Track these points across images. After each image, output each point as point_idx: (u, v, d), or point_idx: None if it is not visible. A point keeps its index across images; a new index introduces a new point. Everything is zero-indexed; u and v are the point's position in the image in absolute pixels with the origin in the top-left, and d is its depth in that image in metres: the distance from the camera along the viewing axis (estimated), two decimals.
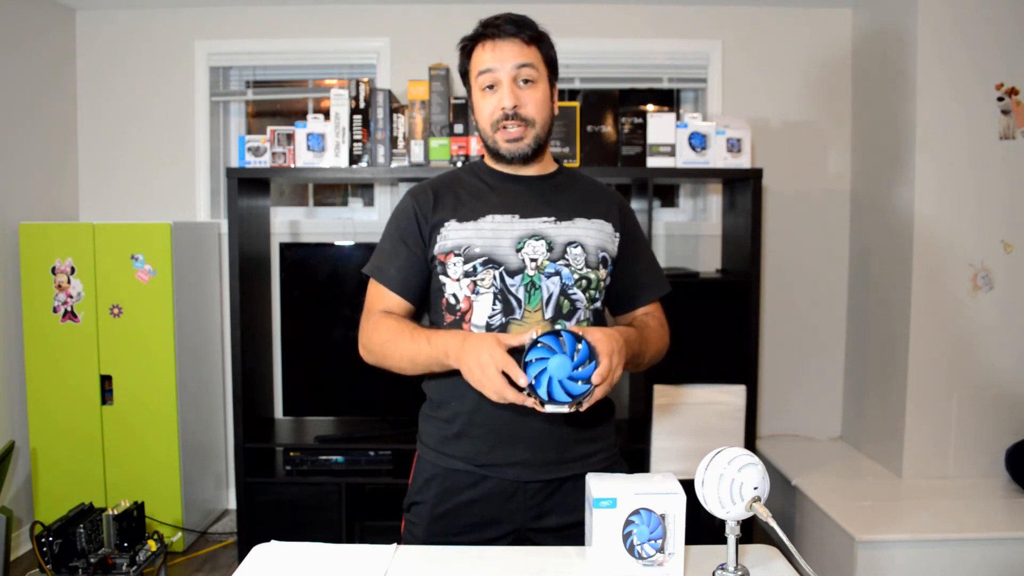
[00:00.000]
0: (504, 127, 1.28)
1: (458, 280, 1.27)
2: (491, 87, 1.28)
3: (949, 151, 2.64)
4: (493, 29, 1.27)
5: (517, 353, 1.11)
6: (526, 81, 1.27)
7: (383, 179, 2.84)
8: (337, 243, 2.91)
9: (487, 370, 1.10)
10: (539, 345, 1.10)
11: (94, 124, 3.19)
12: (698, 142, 2.58)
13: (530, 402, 1.09)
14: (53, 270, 2.77)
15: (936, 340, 2.68)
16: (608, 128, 2.62)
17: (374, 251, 1.37)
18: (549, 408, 1.09)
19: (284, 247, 2.85)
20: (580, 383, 1.10)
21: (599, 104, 2.62)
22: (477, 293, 1.26)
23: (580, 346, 1.11)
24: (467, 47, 1.32)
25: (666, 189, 3.34)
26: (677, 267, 2.99)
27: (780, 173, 3.10)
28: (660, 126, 2.59)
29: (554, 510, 1.29)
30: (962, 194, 2.65)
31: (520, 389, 1.09)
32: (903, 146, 2.73)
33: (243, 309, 2.62)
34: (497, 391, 1.09)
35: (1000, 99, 2.63)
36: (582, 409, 1.12)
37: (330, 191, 3.40)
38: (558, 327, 1.16)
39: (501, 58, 1.26)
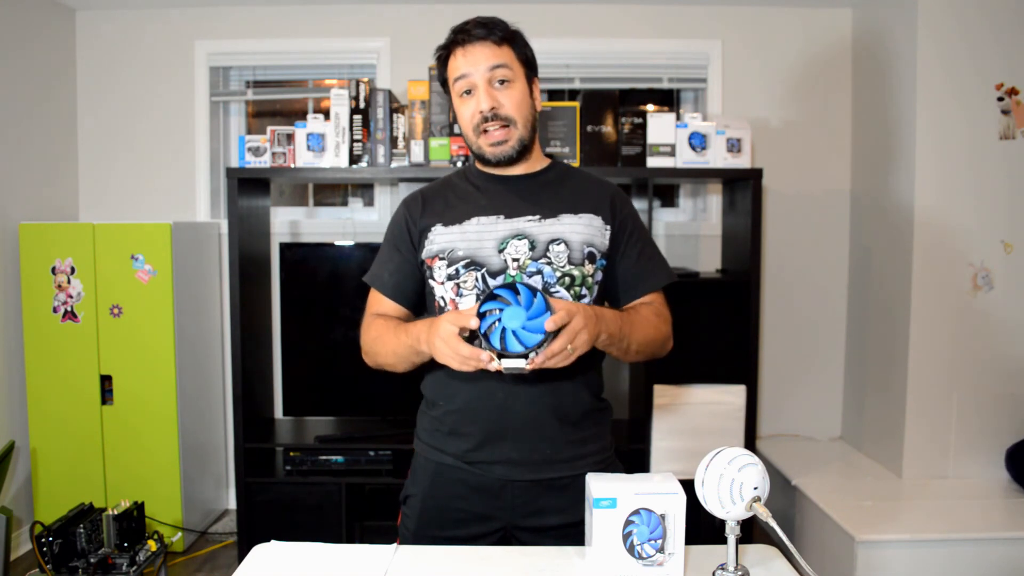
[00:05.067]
0: (485, 131, 1.29)
1: (443, 283, 1.29)
2: (468, 92, 1.29)
3: (949, 151, 2.64)
4: (463, 35, 1.28)
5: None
6: (502, 82, 1.28)
7: (383, 179, 2.84)
8: (337, 243, 2.91)
9: (447, 338, 1.12)
10: (494, 299, 1.10)
11: (94, 124, 3.19)
12: (698, 142, 2.59)
13: (485, 357, 1.08)
14: (53, 270, 2.77)
15: (936, 340, 2.68)
16: (608, 128, 2.62)
17: (374, 260, 1.41)
18: (506, 363, 1.08)
19: (284, 247, 2.85)
20: (535, 335, 1.09)
21: (599, 104, 2.61)
22: (460, 295, 1.27)
23: (536, 299, 1.10)
24: (442, 56, 1.33)
25: (666, 189, 3.34)
26: (677, 267, 2.99)
27: (780, 173, 3.10)
28: (660, 126, 2.59)
29: (544, 510, 1.30)
30: (962, 194, 2.65)
31: (474, 341, 1.09)
32: (903, 146, 2.73)
33: (243, 309, 2.62)
34: (458, 357, 1.11)
35: (1000, 99, 2.63)
36: (535, 363, 1.09)
37: (330, 191, 3.40)
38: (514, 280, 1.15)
39: (473, 62, 1.27)
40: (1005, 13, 2.60)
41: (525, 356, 1.08)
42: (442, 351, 1.14)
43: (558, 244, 1.28)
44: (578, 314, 1.12)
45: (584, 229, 1.30)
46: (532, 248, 1.27)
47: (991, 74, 2.62)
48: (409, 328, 1.25)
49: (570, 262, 1.28)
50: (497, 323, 1.09)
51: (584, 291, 1.30)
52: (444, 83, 1.36)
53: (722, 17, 3.11)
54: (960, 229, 2.65)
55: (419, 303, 1.38)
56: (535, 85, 1.35)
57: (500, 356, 1.09)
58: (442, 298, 1.30)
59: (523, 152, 1.32)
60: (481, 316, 1.10)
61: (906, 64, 2.69)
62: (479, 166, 1.38)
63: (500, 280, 1.25)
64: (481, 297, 1.10)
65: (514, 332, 1.08)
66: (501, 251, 1.27)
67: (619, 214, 1.36)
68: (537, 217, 1.30)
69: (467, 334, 1.12)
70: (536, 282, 1.26)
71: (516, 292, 1.10)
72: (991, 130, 2.64)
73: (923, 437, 2.69)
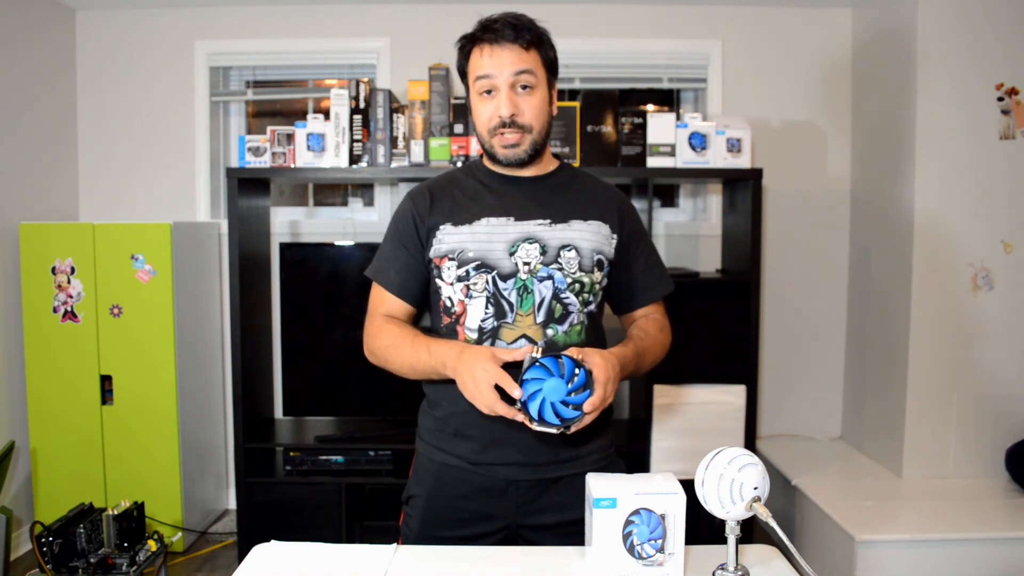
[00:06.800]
0: (501, 133, 1.28)
1: (452, 284, 1.28)
2: (488, 92, 1.28)
3: (949, 151, 2.64)
4: (491, 34, 1.25)
5: (512, 368, 1.13)
6: (524, 87, 1.26)
7: (383, 179, 2.84)
8: (337, 243, 2.91)
9: (479, 383, 1.12)
10: (537, 365, 1.11)
11: (94, 124, 3.19)
12: (698, 142, 2.58)
13: (520, 417, 1.11)
14: (53, 270, 2.77)
15: (936, 340, 2.68)
16: (608, 128, 2.62)
17: (376, 254, 1.38)
18: (538, 427, 1.11)
19: (284, 247, 2.85)
20: (572, 408, 1.12)
21: (599, 104, 2.61)
22: (470, 297, 1.27)
23: (578, 372, 1.12)
24: (465, 47, 1.30)
25: (666, 189, 3.34)
26: (677, 267, 2.99)
27: (780, 173, 3.10)
28: (660, 126, 2.59)
29: (547, 508, 1.30)
30: (962, 194, 2.65)
31: (512, 403, 1.11)
32: (903, 146, 2.73)
33: (243, 309, 2.62)
34: (488, 405, 1.12)
35: (1000, 99, 2.63)
36: (570, 432, 1.13)
37: (330, 191, 3.40)
38: (561, 351, 1.17)
39: (499, 64, 1.25)
40: (1005, 13, 2.60)
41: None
42: (473, 395, 1.13)
43: (569, 250, 1.28)
44: (610, 382, 1.14)
45: (593, 237, 1.31)
46: (543, 253, 1.27)
47: (991, 74, 2.62)
48: (432, 348, 1.23)
49: (580, 269, 1.28)
50: (536, 392, 1.11)
51: (591, 297, 1.31)
52: (463, 73, 1.33)
53: (722, 17, 3.11)
54: (960, 229, 2.65)
55: (424, 301, 1.37)
56: (553, 89, 1.34)
57: (533, 421, 1.12)
58: (449, 299, 1.29)
59: (534, 156, 1.32)
60: (523, 381, 1.11)
61: (906, 64, 2.69)
62: (488, 164, 1.37)
63: (511, 283, 1.25)
64: (526, 363, 1.12)
65: (552, 404, 1.11)
66: (512, 254, 1.26)
67: (626, 224, 1.37)
68: (548, 221, 1.29)
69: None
70: (546, 287, 1.26)
71: (558, 359, 1.12)
72: (991, 130, 2.64)
73: (923, 437, 2.69)
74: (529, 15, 1.29)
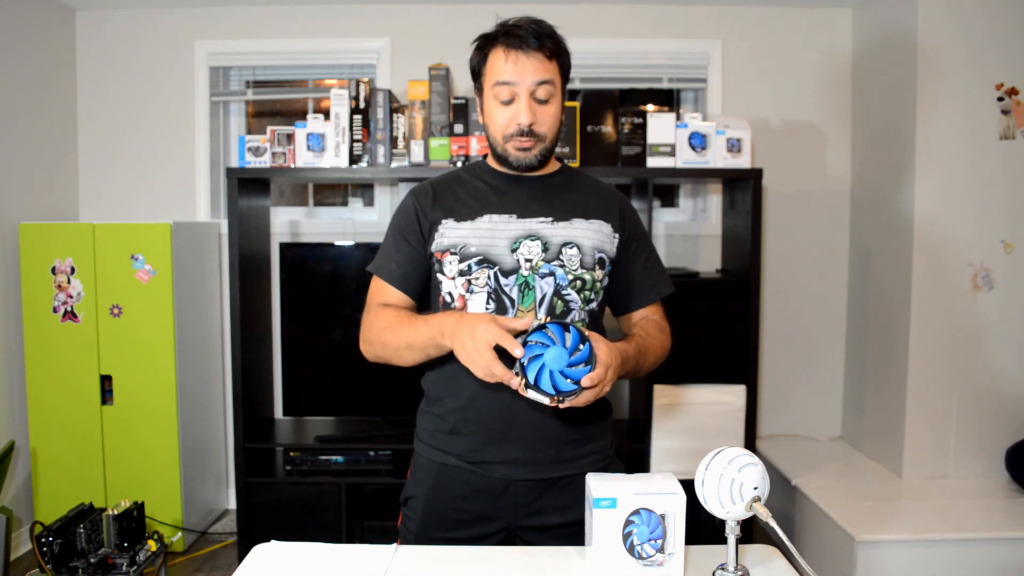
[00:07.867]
0: (515, 138, 1.28)
1: (453, 279, 1.28)
2: (509, 100, 1.27)
3: (949, 151, 2.64)
4: (515, 40, 1.24)
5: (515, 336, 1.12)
6: (545, 100, 1.27)
7: (383, 179, 2.84)
8: (337, 243, 2.91)
9: (478, 343, 1.10)
10: (543, 331, 1.10)
11: (94, 124, 3.19)
12: (698, 142, 2.58)
13: (515, 382, 1.09)
14: (53, 270, 2.77)
15: (936, 340, 2.68)
16: (608, 128, 2.62)
17: (378, 250, 1.38)
18: (531, 393, 1.09)
19: (284, 247, 2.85)
20: (570, 381, 1.10)
21: (599, 104, 2.61)
22: (471, 292, 1.27)
23: (583, 346, 1.11)
24: (484, 47, 1.29)
25: (666, 189, 3.34)
26: (677, 267, 2.99)
27: (780, 173, 3.10)
28: (660, 126, 2.59)
29: (546, 510, 1.30)
30: (962, 194, 2.65)
31: (510, 366, 1.09)
32: (903, 146, 2.73)
33: (243, 309, 2.62)
34: (486, 365, 1.09)
35: (1000, 99, 2.63)
36: (562, 407, 1.11)
37: (330, 191, 3.40)
38: (568, 321, 1.16)
39: (521, 72, 1.24)
40: (1005, 13, 2.60)
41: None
42: (471, 355, 1.10)
43: (571, 247, 1.28)
44: (611, 369, 1.13)
45: (595, 235, 1.31)
46: (545, 250, 1.27)
47: (991, 74, 2.62)
48: (430, 319, 1.22)
49: (582, 266, 1.29)
50: (537, 357, 1.09)
51: (593, 295, 1.31)
52: (477, 72, 1.32)
53: (722, 17, 3.11)
54: (960, 229, 2.66)
55: (425, 295, 1.37)
56: (564, 94, 1.34)
57: (528, 386, 1.10)
58: (449, 293, 1.30)
59: (544, 161, 1.33)
60: (525, 343, 1.10)
61: (906, 64, 2.69)
62: (492, 164, 1.37)
63: (513, 279, 1.25)
64: (532, 327, 1.10)
65: (551, 372, 1.09)
66: (514, 251, 1.27)
67: (627, 224, 1.37)
68: (550, 219, 1.30)
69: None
70: (548, 284, 1.26)
71: (565, 330, 1.11)
72: (991, 130, 2.64)
73: (923, 437, 2.70)
74: (530, 15, 1.29)
